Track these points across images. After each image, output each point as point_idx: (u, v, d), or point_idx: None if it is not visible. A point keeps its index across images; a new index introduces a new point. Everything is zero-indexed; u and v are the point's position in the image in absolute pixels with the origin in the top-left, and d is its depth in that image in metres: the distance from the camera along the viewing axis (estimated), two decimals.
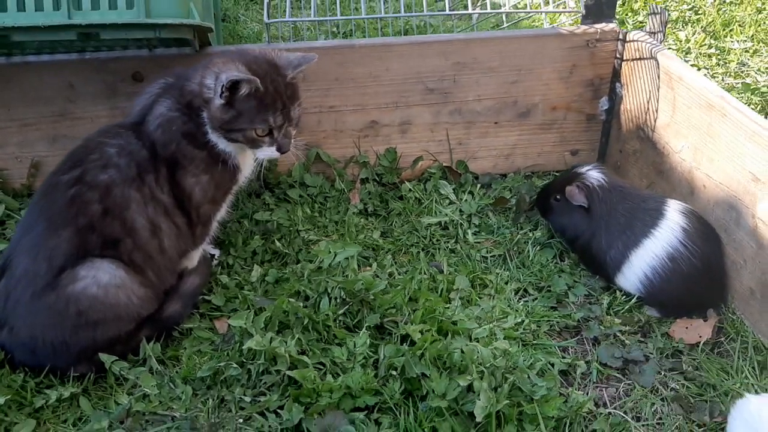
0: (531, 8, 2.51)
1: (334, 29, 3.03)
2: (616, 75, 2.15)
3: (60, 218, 1.54)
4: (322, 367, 1.56)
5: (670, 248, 1.73)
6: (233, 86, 1.55)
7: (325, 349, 1.60)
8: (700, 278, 1.74)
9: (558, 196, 1.89)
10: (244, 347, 1.54)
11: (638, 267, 1.77)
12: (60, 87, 1.98)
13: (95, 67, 1.97)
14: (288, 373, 1.48)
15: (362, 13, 2.31)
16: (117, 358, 1.56)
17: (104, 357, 1.54)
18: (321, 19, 2.27)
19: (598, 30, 2.10)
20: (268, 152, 1.66)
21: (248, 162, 1.76)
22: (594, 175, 1.84)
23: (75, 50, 1.96)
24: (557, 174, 2.25)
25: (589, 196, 1.82)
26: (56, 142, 2.04)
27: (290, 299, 1.65)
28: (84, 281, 1.51)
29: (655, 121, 2.01)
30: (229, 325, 1.71)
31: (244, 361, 1.56)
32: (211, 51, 1.96)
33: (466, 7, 3.13)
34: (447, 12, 2.09)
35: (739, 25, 3.16)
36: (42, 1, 1.62)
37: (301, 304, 1.67)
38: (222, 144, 1.65)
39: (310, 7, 2.61)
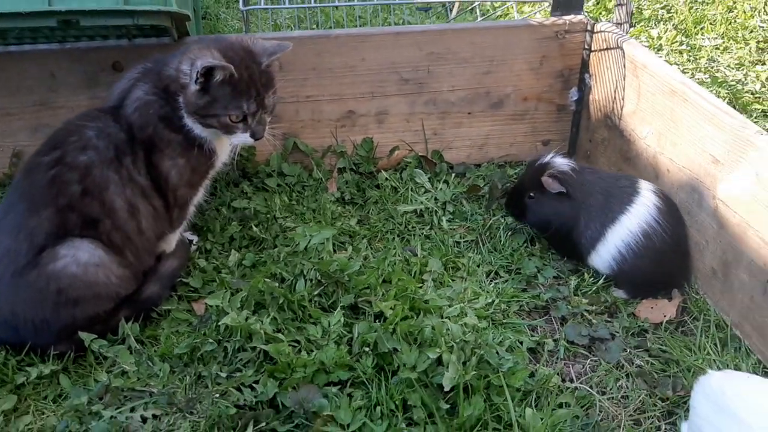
0: (507, 5, 2.58)
1: (314, 26, 3.08)
2: (585, 66, 2.21)
3: (40, 198, 1.58)
4: (296, 345, 1.60)
5: (644, 225, 1.78)
6: (208, 72, 1.59)
7: (300, 328, 1.64)
8: (671, 255, 1.80)
9: (532, 194, 1.89)
10: (220, 323, 1.58)
11: (613, 244, 1.81)
12: (41, 77, 2.02)
13: (76, 56, 2.01)
14: (263, 347, 1.53)
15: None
16: (96, 336, 1.59)
17: (84, 335, 1.57)
18: (297, 6, 2.33)
19: (567, 21, 2.16)
20: (242, 138, 1.70)
21: (225, 147, 1.80)
22: (560, 161, 1.87)
23: (56, 40, 2.00)
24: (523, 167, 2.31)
25: (565, 181, 1.83)
26: (38, 131, 2.07)
27: (266, 279, 1.70)
28: (64, 260, 1.55)
29: (621, 109, 2.07)
30: (206, 307, 1.74)
31: (221, 338, 1.60)
32: (189, 40, 2.00)
33: (446, 4, 3.20)
34: (423, 0, 2.13)
35: (710, 23, 3.24)
36: None
37: (277, 285, 1.71)
38: (197, 129, 1.69)
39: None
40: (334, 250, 1.91)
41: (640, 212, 1.79)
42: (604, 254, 1.83)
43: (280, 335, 1.58)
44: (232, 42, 1.69)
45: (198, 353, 1.59)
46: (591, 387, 1.60)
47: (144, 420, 1.47)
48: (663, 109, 1.89)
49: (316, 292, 1.72)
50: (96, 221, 1.61)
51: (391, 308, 1.62)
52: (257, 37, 1.82)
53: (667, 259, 1.80)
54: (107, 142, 1.64)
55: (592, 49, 2.17)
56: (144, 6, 1.69)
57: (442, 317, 1.67)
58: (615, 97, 2.09)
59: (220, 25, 3.11)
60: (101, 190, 1.62)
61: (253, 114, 1.67)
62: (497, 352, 1.57)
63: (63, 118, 1.98)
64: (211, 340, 1.58)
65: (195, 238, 1.96)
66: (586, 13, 2.22)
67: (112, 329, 1.64)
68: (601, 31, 2.12)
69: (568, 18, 2.17)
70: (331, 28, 3.06)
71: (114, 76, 2.00)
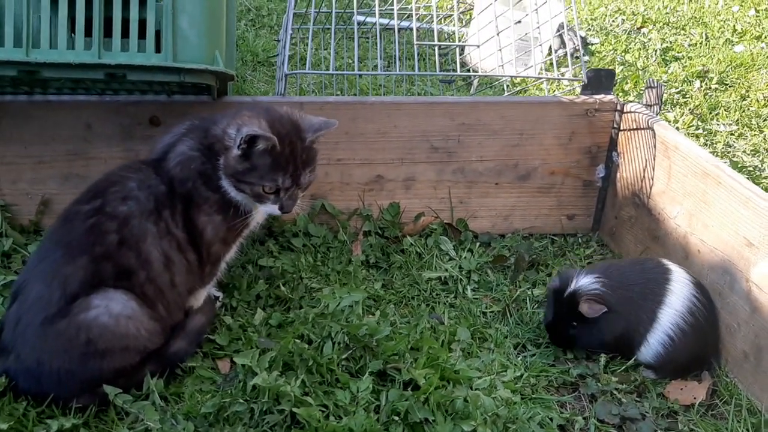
0: (531, 78, 2.63)
1: (338, 92, 3.13)
2: (613, 143, 2.25)
3: (77, 246, 1.57)
4: (325, 410, 1.56)
5: (687, 301, 1.77)
6: (251, 140, 1.61)
7: (327, 392, 1.60)
8: (710, 330, 1.81)
9: (574, 323, 1.81)
10: (249, 384, 1.55)
11: (662, 330, 1.78)
12: (77, 126, 2.04)
13: (114, 109, 2.03)
14: (294, 410, 1.49)
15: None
16: (121, 390, 1.55)
17: (109, 389, 1.53)
18: (335, 72, 2.37)
19: (597, 100, 2.21)
20: (270, 209, 1.71)
21: (261, 209, 1.81)
22: (586, 282, 1.79)
23: (95, 92, 2.03)
24: (552, 240, 2.32)
25: (602, 300, 1.77)
26: (68, 180, 2.08)
27: (295, 340, 1.67)
28: (96, 310, 1.52)
29: (650, 188, 2.10)
30: (231, 365, 1.72)
31: (248, 399, 1.56)
32: (228, 100, 2.03)
33: (467, 77, 3.27)
34: (457, 74, 2.20)
35: (725, 110, 3.31)
36: (73, 40, 1.69)
37: (306, 347, 1.68)
38: (231, 191, 1.70)
39: (320, 65, 2.72)
40: (362, 313, 1.89)
41: (681, 290, 1.79)
42: (654, 343, 1.79)
43: (308, 398, 1.55)
44: (281, 114, 1.71)
45: (224, 413, 1.54)
46: None
47: None
48: (694, 190, 1.91)
49: (344, 356, 1.69)
50: (131, 272, 1.60)
51: (424, 377, 1.59)
52: (296, 101, 1.84)
53: (708, 334, 1.80)
54: (148, 194, 1.65)
55: (621, 128, 2.21)
56: (192, 64, 1.72)
57: (472, 388, 1.64)
58: (644, 176, 2.12)
59: (247, 87, 3.16)
60: (138, 241, 1.61)
61: (286, 189, 1.68)
62: (530, 427, 1.53)
63: (95, 169, 2.01)
64: (239, 401, 1.54)
65: (220, 295, 1.94)
66: (614, 94, 2.27)
67: (136, 384, 1.60)
68: (631, 112, 2.16)
69: (598, 97, 2.21)
70: (355, 95, 3.11)
71: (150, 131, 2.03)
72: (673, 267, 1.83)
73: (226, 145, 1.66)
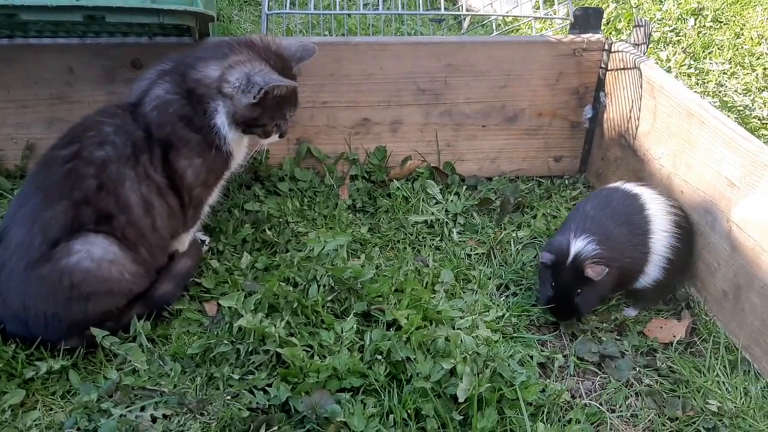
0: (519, 18, 2.59)
1: (326, 33, 3.09)
2: (600, 84, 2.23)
3: (56, 191, 1.58)
4: (309, 350, 1.59)
5: (670, 218, 1.82)
6: (271, 90, 1.63)
7: (312, 333, 1.64)
8: (693, 236, 1.88)
9: (579, 290, 1.75)
10: (235, 325, 1.58)
11: (659, 256, 1.81)
12: (59, 70, 2.01)
13: (95, 52, 2.00)
14: (278, 350, 1.52)
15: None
16: (108, 333, 1.58)
17: (96, 331, 1.56)
18: (321, 12, 2.33)
19: (585, 39, 2.18)
20: (273, 139, 1.79)
21: (242, 149, 1.82)
22: (583, 246, 1.74)
23: (76, 35, 2.00)
24: (539, 183, 2.32)
25: (603, 260, 1.73)
26: (52, 124, 2.07)
27: (280, 283, 1.69)
28: (78, 255, 1.54)
29: (636, 129, 2.09)
30: (218, 307, 1.74)
31: (234, 340, 1.60)
32: (212, 41, 2.00)
33: (458, 16, 3.22)
34: (441, 12, 2.16)
35: (718, 49, 3.27)
36: None
37: (291, 289, 1.71)
38: (231, 134, 1.71)
39: (307, 4, 2.67)
40: (347, 258, 1.91)
41: (658, 210, 1.82)
42: (652, 272, 1.82)
43: (293, 339, 1.58)
44: (267, 47, 1.71)
45: (210, 354, 1.58)
46: (601, 404, 1.60)
47: (154, 419, 1.46)
48: (679, 130, 1.91)
49: (329, 298, 1.72)
50: (110, 216, 1.61)
51: (405, 317, 1.62)
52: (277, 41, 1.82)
53: (692, 238, 1.87)
54: (125, 139, 1.64)
55: (609, 68, 2.19)
56: (171, 5, 1.69)
57: (453, 327, 1.67)
58: (630, 117, 2.11)
59: (233, 27, 3.11)
60: (117, 186, 1.61)
61: (289, 119, 1.77)
62: (510, 366, 1.57)
63: (78, 113, 1.98)
64: (224, 342, 1.57)
65: (207, 239, 1.95)
66: (603, 33, 2.24)
67: (123, 327, 1.63)
68: (618, 51, 2.14)
69: (586, 36, 2.18)
70: (343, 35, 3.07)
71: (132, 73, 2.00)
72: (637, 189, 1.86)
73: (226, 92, 1.66)
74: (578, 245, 1.74)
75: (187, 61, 1.71)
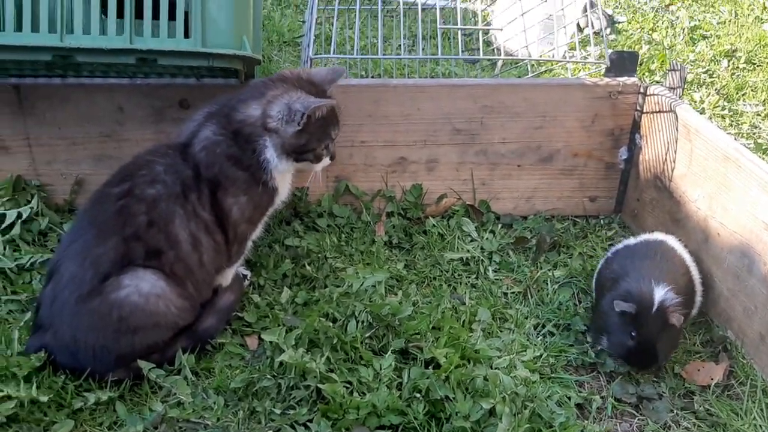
0: (554, 62, 2.64)
1: (363, 73, 3.16)
2: (635, 126, 2.25)
3: (108, 227, 1.63)
4: (349, 386, 1.62)
5: (687, 254, 1.93)
6: (312, 112, 1.71)
7: (352, 369, 1.66)
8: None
9: (663, 336, 1.73)
10: (276, 360, 1.61)
11: (698, 287, 1.91)
12: (110, 109, 2.09)
13: (145, 92, 2.08)
14: (318, 386, 1.55)
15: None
16: (154, 365, 1.62)
17: (142, 364, 1.61)
18: (363, 57, 2.39)
19: (621, 83, 2.21)
20: (326, 162, 1.87)
21: (286, 185, 1.87)
22: (664, 294, 1.73)
23: (127, 75, 2.08)
24: (574, 222, 2.34)
25: (681, 311, 1.75)
26: (101, 161, 2.14)
27: (320, 318, 1.73)
28: (127, 289, 1.59)
29: (672, 171, 2.11)
30: (259, 342, 1.78)
31: (276, 374, 1.63)
32: (253, 83, 2.07)
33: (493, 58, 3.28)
34: (480, 57, 2.20)
35: (752, 90, 3.28)
36: (105, 24, 1.74)
37: (331, 325, 1.74)
38: (282, 166, 1.78)
39: (344, 44, 2.75)
40: (385, 293, 1.94)
41: (681, 249, 1.93)
42: (698, 302, 1.90)
43: (333, 375, 1.60)
44: (300, 78, 1.79)
45: (253, 388, 1.61)
46: None
47: None
48: (715, 174, 1.92)
49: (367, 335, 1.74)
50: (160, 252, 1.66)
51: (444, 356, 1.64)
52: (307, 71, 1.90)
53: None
54: (175, 178, 1.70)
55: (644, 110, 2.21)
56: (220, 49, 1.76)
57: (491, 367, 1.69)
58: (666, 159, 2.13)
59: (273, 67, 3.20)
60: (167, 223, 1.67)
61: (335, 138, 1.85)
62: (548, 406, 1.58)
63: (127, 150, 2.06)
64: (267, 376, 1.60)
65: (248, 273, 2.00)
66: (638, 76, 2.27)
67: (168, 360, 1.67)
68: (653, 94, 2.17)
69: (621, 79, 2.22)
70: (380, 75, 3.14)
71: (180, 113, 2.08)
72: (660, 236, 1.96)
73: (270, 127, 1.73)
74: (661, 294, 1.73)
75: (229, 104, 1.78)
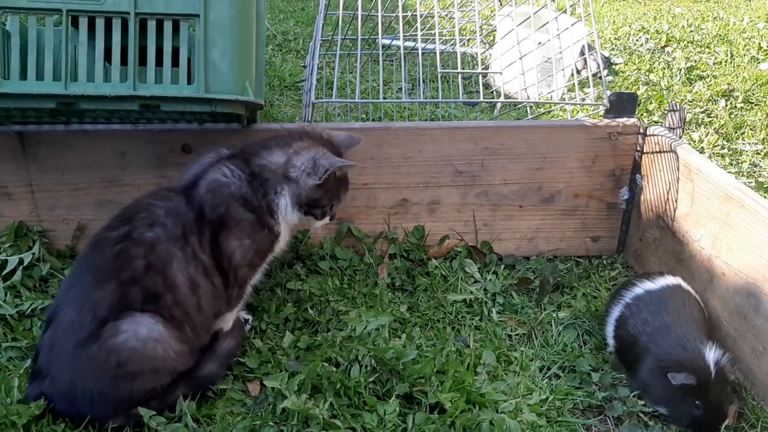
0: (553, 103, 2.66)
1: (364, 116, 3.19)
2: (636, 166, 2.26)
3: (105, 272, 1.63)
4: None
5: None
6: (335, 170, 1.78)
7: (355, 415, 1.63)
8: None
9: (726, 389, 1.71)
10: (279, 407, 1.59)
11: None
12: (112, 155, 2.10)
13: (147, 137, 2.10)
14: None
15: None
16: (155, 413, 1.60)
17: (143, 411, 1.58)
18: (363, 101, 2.41)
19: (620, 123, 2.23)
20: (325, 221, 1.91)
21: (286, 235, 1.88)
22: (718, 357, 1.70)
23: (129, 121, 2.09)
24: (577, 262, 2.33)
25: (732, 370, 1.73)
26: (103, 206, 2.15)
27: (323, 363, 1.71)
28: (125, 334, 1.57)
29: (674, 210, 2.11)
30: (261, 387, 1.75)
31: (278, 421, 1.60)
32: (257, 127, 2.09)
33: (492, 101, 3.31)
34: (480, 100, 2.22)
35: (750, 129, 3.30)
36: (109, 71, 1.76)
37: (334, 370, 1.72)
38: (291, 215, 1.82)
39: (345, 88, 2.77)
40: (388, 336, 1.92)
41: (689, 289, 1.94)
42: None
43: (336, 421, 1.58)
44: (321, 136, 1.86)
45: None
46: None
47: None
48: (718, 213, 1.92)
49: (371, 379, 1.72)
50: (158, 296, 1.64)
51: (449, 401, 1.61)
52: (324, 127, 1.91)
53: None
54: (176, 220, 1.70)
55: (645, 151, 2.22)
56: (223, 95, 1.78)
57: (498, 411, 1.66)
58: (668, 199, 2.13)
59: (274, 111, 3.23)
60: (164, 265, 1.66)
61: (342, 201, 1.92)
62: None
63: (129, 195, 2.07)
64: (270, 423, 1.58)
65: (250, 318, 1.98)
66: (637, 117, 2.29)
67: (168, 406, 1.65)
68: (654, 135, 2.18)
69: (621, 120, 2.23)
70: (380, 118, 3.17)
71: (182, 158, 2.09)
72: (674, 280, 1.93)
73: (291, 176, 1.78)
74: (716, 357, 1.69)
75: (251, 149, 1.81)
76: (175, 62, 1.78)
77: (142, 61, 1.77)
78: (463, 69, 3.45)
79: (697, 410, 1.68)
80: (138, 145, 2.10)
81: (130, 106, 1.77)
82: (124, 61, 1.76)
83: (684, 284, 1.93)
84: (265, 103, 3.26)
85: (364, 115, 3.19)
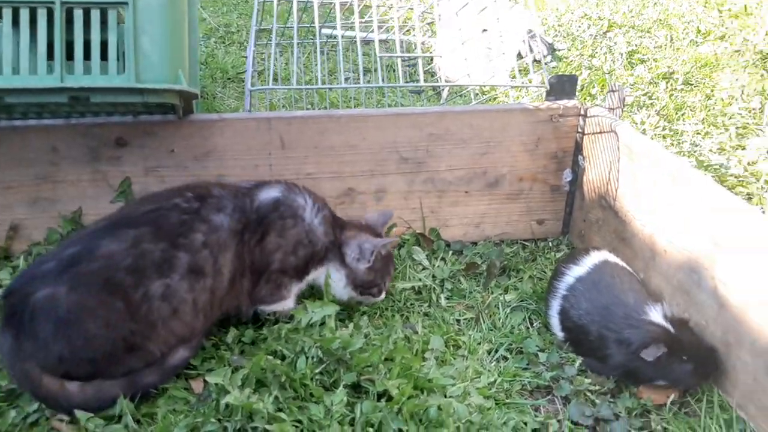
0: (496, 86, 2.66)
1: (309, 106, 3.15)
2: (578, 148, 2.28)
3: (165, 232, 1.66)
4: (299, 425, 1.56)
5: None
6: (379, 250, 1.92)
7: (302, 407, 1.60)
8: None
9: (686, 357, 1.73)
10: (222, 402, 1.54)
11: None
12: (44, 150, 2.03)
13: (80, 131, 2.02)
14: (266, 427, 1.49)
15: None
16: (92, 415, 1.54)
17: (80, 414, 1.53)
18: (303, 87, 2.37)
19: (561, 106, 2.23)
20: (382, 297, 2.02)
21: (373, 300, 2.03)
22: (656, 315, 1.76)
23: (61, 115, 2.02)
24: (523, 246, 2.34)
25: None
26: (36, 204, 2.07)
27: (268, 356, 1.67)
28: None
29: (616, 190, 2.12)
30: (204, 384, 1.71)
31: (221, 418, 1.56)
32: (194, 118, 2.04)
33: (437, 87, 3.30)
34: (422, 84, 2.20)
35: (691, 110, 3.36)
36: (36, 65, 1.68)
37: (279, 363, 1.68)
38: (344, 293, 1.98)
39: (289, 79, 2.73)
40: (336, 328, 1.89)
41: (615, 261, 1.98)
42: None
43: (282, 414, 1.54)
44: (361, 225, 2.01)
45: None
46: None
47: None
48: (659, 191, 1.94)
49: (317, 370, 1.69)
50: (201, 273, 1.69)
51: (396, 387, 1.59)
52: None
53: None
54: (241, 216, 1.78)
55: (586, 132, 2.24)
56: (154, 84, 1.72)
57: (446, 396, 1.65)
58: (609, 179, 2.15)
59: (217, 104, 3.17)
60: (220, 252, 1.72)
61: (392, 275, 2.03)
62: None
63: (62, 192, 2.00)
64: (212, 420, 1.53)
65: None
66: (577, 97, 2.30)
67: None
68: (594, 116, 2.19)
69: (561, 102, 2.24)
70: (326, 108, 3.13)
71: (117, 152, 2.03)
72: (601, 255, 1.97)
73: (349, 264, 1.94)
74: (660, 313, 1.75)
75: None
76: (105, 56, 1.72)
77: (70, 55, 1.70)
78: (407, 59, 3.44)
79: (688, 363, 1.71)
80: (70, 140, 2.03)
81: (58, 98, 1.70)
82: (52, 55, 1.69)
83: (610, 257, 1.95)
84: (208, 95, 3.20)
85: (309, 106, 3.15)
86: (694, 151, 3.03)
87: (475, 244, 2.37)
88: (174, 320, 1.65)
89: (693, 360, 1.72)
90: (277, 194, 1.86)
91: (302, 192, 1.91)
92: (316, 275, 1.94)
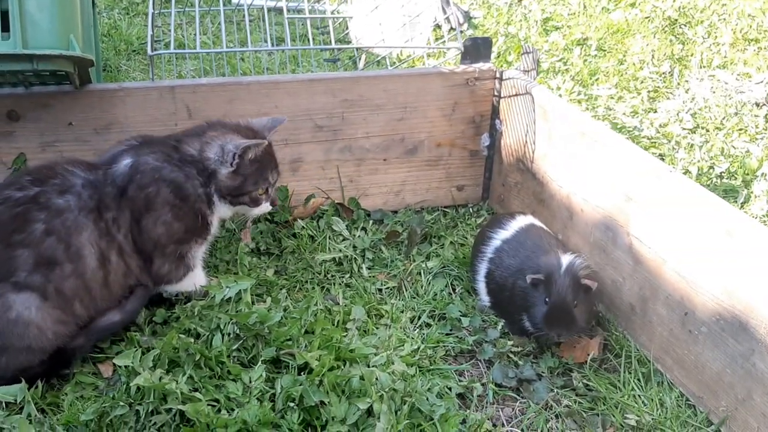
0: (410, 47, 2.62)
1: (222, 71, 3.03)
2: (495, 111, 2.26)
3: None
4: (216, 404, 1.50)
5: None
6: (243, 152, 1.70)
7: (219, 386, 1.54)
8: None
9: (576, 302, 1.70)
10: (132, 386, 1.46)
11: None
12: None
13: None
14: (180, 408, 1.42)
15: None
16: None
17: None
18: (204, 51, 2.27)
19: (477, 69, 2.21)
20: (264, 208, 1.83)
21: (217, 223, 1.85)
22: (572, 260, 1.72)
23: None
24: (444, 212, 2.32)
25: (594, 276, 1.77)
26: None
27: (180, 335, 1.59)
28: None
29: (533, 153, 2.12)
30: (114, 368, 1.62)
31: (132, 401, 1.47)
32: (92, 88, 1.92)
33: (353, 56, 3.23)
34: (333, 46, 2.14)
35: (604, 75, 3.41)
36: None
37: (192, 341, 1.60)
38: (223, 209, 1.79)
39: (194, 44, 2.61)
40: (252, 302, 1.83)
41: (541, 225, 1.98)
42: None
43: (197, 394, 1.47)
44: (238, 124, 1.80)
45: (107, 419, 1.45)
46: (522, 430, 1.58)
47: None
48: (574, 150, 1.94)
49: (234, 347, 1.62)
50: (53, 263, 1.56)
51: (316, 359, 1.55)
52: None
53: None
54: (92, 192, 1.62)
55: (502, 95, 2.22)
56: (44, 50, 1.60)
57: (369, 366, 1.61)
58: (526, 141, 2.14)
59: (122, 76, 3.01)
60: (71, 234, 1.57)
61: (273, 183, 1.83)
62: (428, 400, 1.52)
63: None
64: (121, 404, 1.45)
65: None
66: (493, 63, 2.28)
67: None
68: (509, 78, 2.18)
69: (477, 66, 2.22)
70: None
71: (9, 126, 1.88)
72: (525, 219, 1.96)
73: (211, 169, 1.72)
74: (568, 259, 1.72)
75: (177, 137, 1.78)
76: None
77: None
78: (320, 26, 3.35)
79: (546, 305, 1.71)
80: None
81: None
82: None
83: (536, 221, 1.96)
84: (112, 68, 3.04)
85: (222, 71, 3.03)
86: (609, 115, 3.08)
87: (395, 212, 2.33)
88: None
89: (552, 305, 1.69)
90: (128, 160, 1.69)
91: (156, 145, 1.74)
92: (224, 211, 1.80)
